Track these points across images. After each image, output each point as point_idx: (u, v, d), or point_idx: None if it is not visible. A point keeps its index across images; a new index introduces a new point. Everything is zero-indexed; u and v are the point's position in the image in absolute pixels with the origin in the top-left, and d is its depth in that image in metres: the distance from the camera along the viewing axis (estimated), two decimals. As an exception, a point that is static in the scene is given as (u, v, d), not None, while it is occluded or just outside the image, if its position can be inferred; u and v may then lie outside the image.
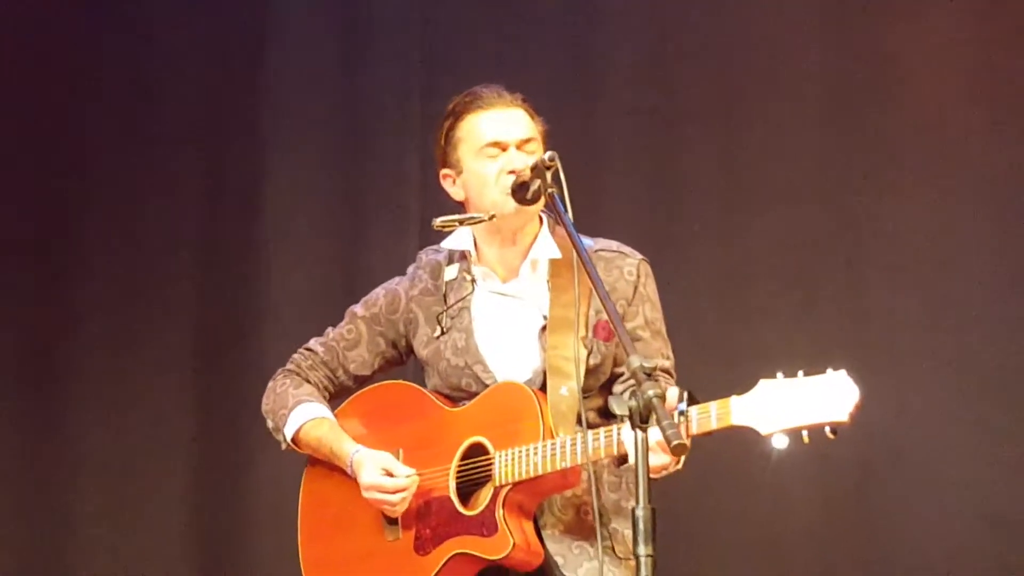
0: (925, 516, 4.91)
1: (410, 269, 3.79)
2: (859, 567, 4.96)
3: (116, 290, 5.57)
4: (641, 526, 2.88)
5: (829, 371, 3.11)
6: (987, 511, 4.87)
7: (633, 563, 3.39)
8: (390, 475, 3.55)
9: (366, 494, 3.57)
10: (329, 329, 3.80)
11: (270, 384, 3.79)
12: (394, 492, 3.54)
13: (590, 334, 3.56)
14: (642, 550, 2.88)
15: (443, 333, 3.66)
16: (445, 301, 3.68)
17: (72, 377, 5.56)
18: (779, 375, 3.15)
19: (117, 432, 5.52)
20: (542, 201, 3.49)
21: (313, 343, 3.80)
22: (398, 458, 3.62)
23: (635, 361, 2.97)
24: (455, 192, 3.67)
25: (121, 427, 5.52)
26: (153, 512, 5.47)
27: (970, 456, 4.90)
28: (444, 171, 3.68)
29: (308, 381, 3.76)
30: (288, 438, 3.70)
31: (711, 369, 4.80)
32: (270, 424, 3.75)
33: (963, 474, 4.90)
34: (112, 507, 5.49)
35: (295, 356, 3.80)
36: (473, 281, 3.66)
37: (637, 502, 2.90)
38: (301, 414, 3.69)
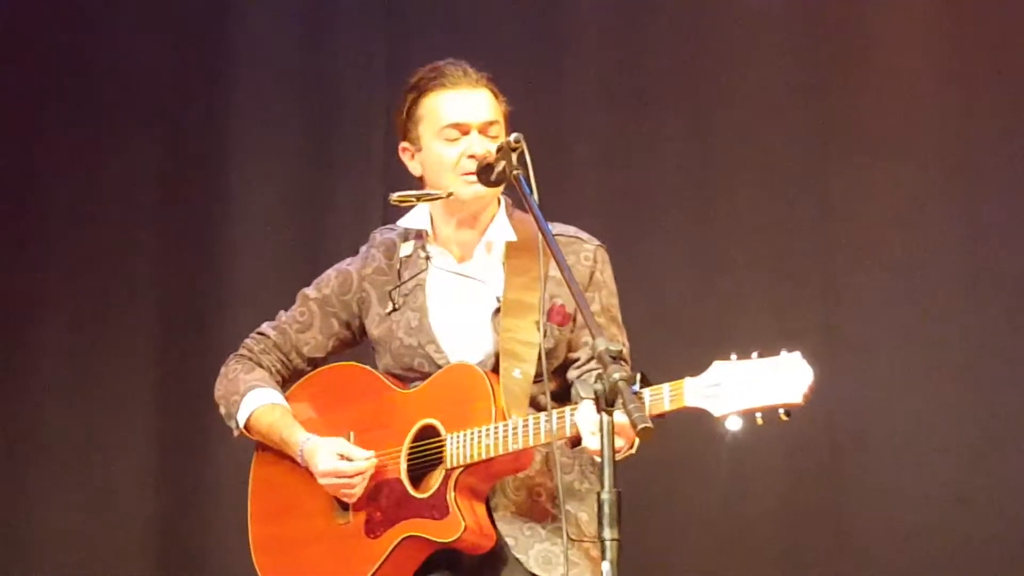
0: (892, 496, 4.93)
1: (363, 249, 3.74)
2: (826, 547, 4.96)
3: (76, 269, 5.54)
4: (607, 510, 2.87)
5: (783, 352, 3.08)
6: (953, 490, 4.87)
7: (585, 544, 3.48)
8: (346, 459, 3.51)
9: (323, 481, 3.53)
10: (281, 312, 3.75)
11: (222, 370, 3.75)
12: (353, 476, 3.50)
13: (544, 318, 3.52)
14: (607, 534, 2.86)
15: (395, 310, 3.62)
16: (399, 277, 3.64)
17: (32, 358, 5.51)
18: (733, 356, 3.13)
19: (78, 413, 5.48)
20: (504, 183, 3.44)
21: (265, 327, 3.76)
22: (349, 440, 3.58)
23: (601, 344, 2.95)
24: (413, 167, 3.63)
25: (82, 408, 5.49)
26: (114, 493, 5.43)
27: (936, 436, 4.91)
28: (403, 144, 3.64)
29: (260, 365, 3.71)
30: (240, 425, 3.66)
31: (679, 351, 4.79)
32: (222, 411, 3.71)
33: (929, 454, 4.91)
34: (72, 488, 5.45)
35: (247, 341, 3.76)
36: (428, 259, 3.63)
37: (603, 486, 2.88)
38: (252, 400, 3.65)
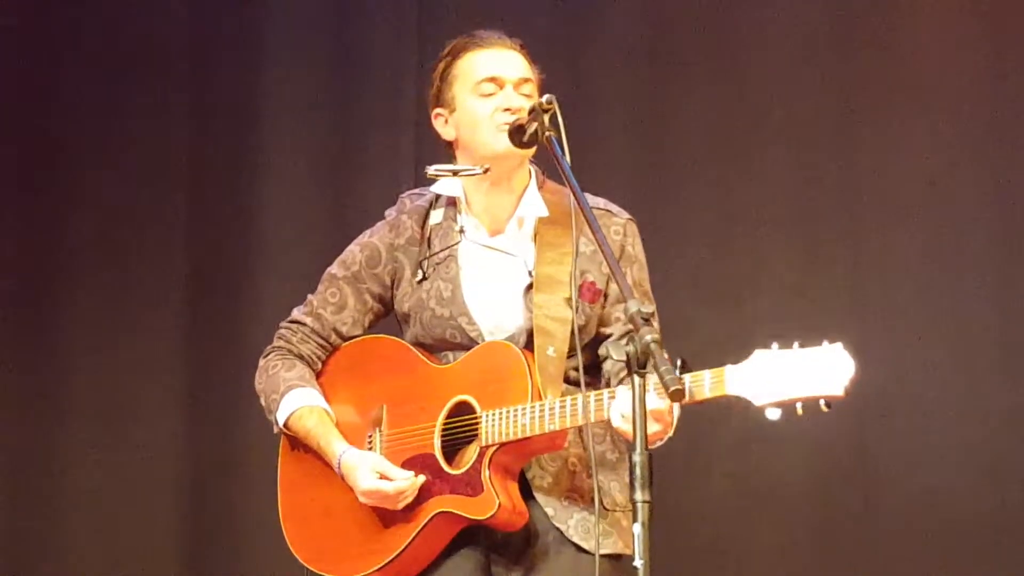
0: (919, 463, 4.92)
1: (390, 214, 3.71)
2: (855, 515, 4.95)
3: (104, 233, 5.51)
4: (638, 472, 2.87)
5: (825, 343, 3.07)
6: (982, 458, 4.86)
7: (618, 514, 3.49)
8: (386, 478, 3.50)
9: (364, 499, 3.52)
10: (309, 296, 3.72)
11: (261, 363, 3.72)
12: (395, 494, 3.49)
13: (575, 295, 3.50)
14: (639, 496, 2.86)
15: (424, 279, 3.61)
16: (429, 246, 3.63)
17: (59, 321, 5.51)
18: (774, 346, 3.11)
19: (105, 376, 5.48)
20: (535, 147, 3.45)
21: (298, 314, 3.72)
22: (382, 413, 3.58)
23: (633, 306, 2.94)
24: (446, 132, 3.61)
25: (109, 371, 5.48)
26: (143, 453, 5.42)
27: (965, 402, 4.90)
28: (437, 110, 3.62)
29: (301, 357, 3.69)
30: (280, 423, 3.65)
31: (704, 312, 4.79)
32: (263, 403, 3.69)
33: (957, 420, 4.90)
34: (100, 450, 5.45)
35: (282, 331, 3.72)
36: (462, 231, 3.61)
37: (634, 448, 2.88)
38: (291, 401, 3.62)
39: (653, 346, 2.88)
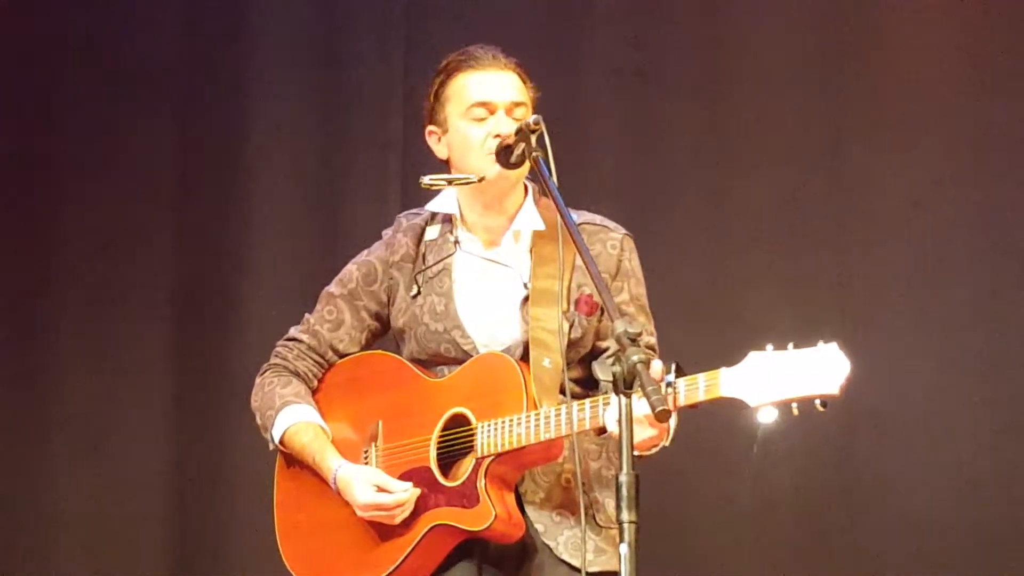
0: (905, 477, 4.93)
1: (386, 233, 3.72)
2: (842, 526, 4.96)
3: (93, 248, 5.52)
4: (625, 492, 2.88)
5: (820, 344, 3.08)
6: (967, 473, 4.88)
7: (614, 532, 3.47)
8: (383, 491, 3.50)
9: (362, 513, 3.52)
10: (307, 315, 3.74)
11: (257, 380, 3.72)
12: (394, 508, 3.49)
13: (572, 307, 3.52)
14: (625, 516, 2.87)
15: (419, 293, 3.62)
16: (424, 261, 3.63)
17: (49, 337, 5.51)
18: (769, 347, 3.12)
19: (94, 388, 5.48)
20: (527, 166, 3.46)
21: (295, 332, 3.73)
22: (378, 429, 3.59)
23: (620, 326, 2.95)
24: (439, 150, 3.63)
25: (99, 383, 5.48)
26: (131, 468, 5.43)
27: (951, 418, 4.91)
28: (430, 127, 3.63)
29: (297, 374, 3.70)
30: (275, 440, 3.65)
31: (695, 331, 4.80)
32: (259, 421, 3.69)
33: (943, 436, 4.91)
34: (88, 464, 5.45)
35: (279, 349, 3.74)
36: (457, 243, 3.62)
37: (621, 468, 2.89)
38: (286, 418, 3.63)
39: (640, 367, 2.90)
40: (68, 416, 5.48)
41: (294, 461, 3.68)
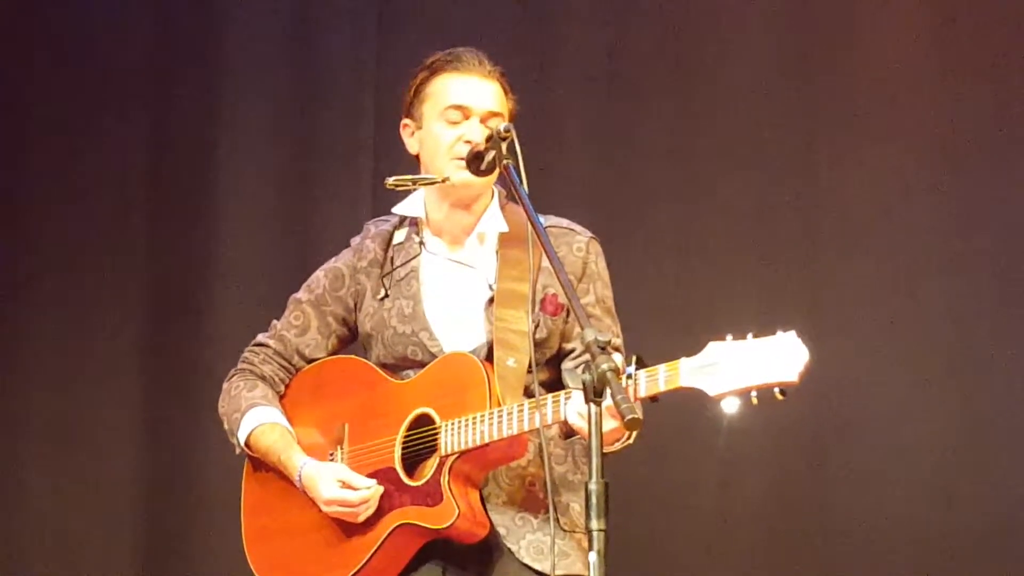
0: (875, 484, 4.93)
1: (355, 241, 3.73)
2: (810, 534, 4.97)
3: (63, 256, 5.52)
4: (594, 500, 2.87)
5: (779, 332, 3.08)
6: (937, 479, 4.89)
7: (577, 535, 3.49)
8: (348, 487, 3.50)
9: (327, 509, 3.52)
10: (274, 321, 3.74)
11: (224, 385, 3.73)
12: (359, 504, 3.49)
13: (537, 309, 3.53)
14: (595, 524, 2.86)
15: (386, 296, 3.62)
16: (392, 264, 3.64)
17: (18, 345, 5.51)
18: (728, 337, 3.12)
19: (64, 390, 5.47)
20: (496, 174, 3.47)
21: (262, 338, 3.74)
22: (343, 432, 3.59)
23: (589, 335, 2.95)
24: (411, 145, 3.64)
25: (68, 385, 5.47)
26: (100, 470, 5.42)
27: (921, 424, 4.92)
28: (405, 121, 3.64)
29: (263, 378, 3.70)
30: (241, 443, 3.65)
31: (664, 334, 4.80)
32: (226, 427, 3.70)
33: (913, 442, 4.92)
34: (59, 475, 5.44)
35: (246, 354, 3.74)
36: (422, 244, 3.63)
37: (590, 476, 2.88)
38: (251, 419, 3.63)
39: (610, 375, 2.89)
40: (37, 418, 5.47)
41: (261, 466, 3.68)
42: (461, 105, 3.55)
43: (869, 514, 4.92)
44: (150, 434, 5.43)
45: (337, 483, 3.50)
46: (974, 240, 4.95)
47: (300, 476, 3.55)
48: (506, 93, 3.60)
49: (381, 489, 3.48)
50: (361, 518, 3.50)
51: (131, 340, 5.47)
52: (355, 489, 3.48)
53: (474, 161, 3.45)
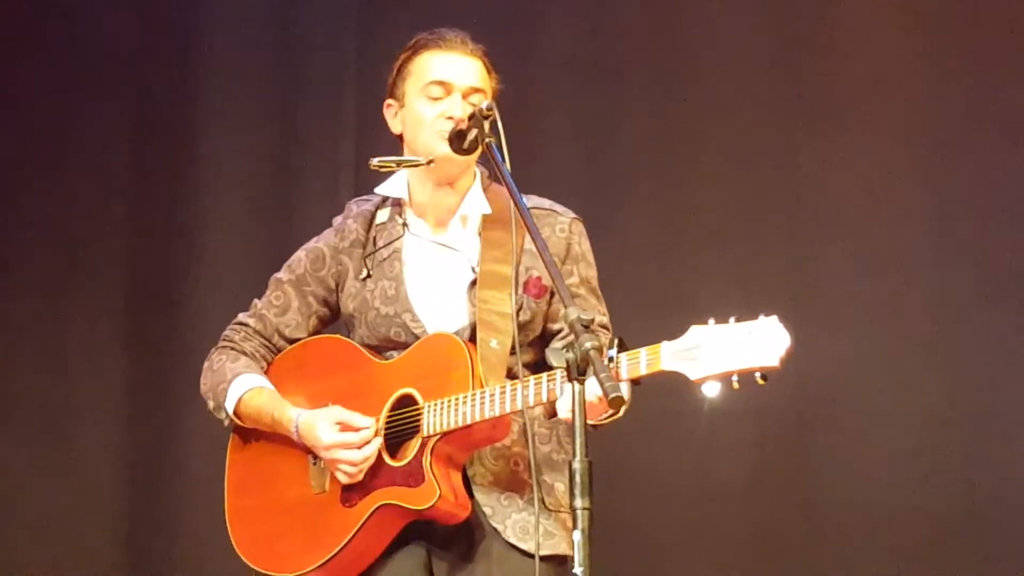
0: (858, 468, 4.94)
1: (337, 220, 3.73)
2: (793, 519, 4.98)
3: (44, 239, 5.50)
4: (578, 479, 2.88)
5: (761, 317, 3.09)
6: (920, 459, 4.90)
7: (563, 515, 3.48)
8: (348, 428, 3.48)
9: (327, 454, 3.50)
10: (255, 300, 3.74)
11: (205, 364, 3.72)
12: (360, 445, 3.47)
13: (520, 290, 3.53)
14: (579, 503, 2.87)
15: (368, 276, 3.62)
16: (374, 244, 3.64)
17: (1, 320, 5.47)
18: (710, 321, 3.12)
19: (47, 376, 5.46)
20: (478, 152, 3.47)
21: (242, 317, 3.74)
22: (327, 413, 3.59)
23: (572, 313, 2.96)
24: (394, 125, 3.64)
25: (51, 371, 5.46)
26: (83, 455, 5.41)
27: (904, 409, 4.93)
28: (388, 101, 3.65)
29: (244, 353, 3.69)
30: (230, 412, 3.64)
31: (647, 320, 4.78)
32: (210, 404, 3.68)
33: (896, 427, 4.93)
34: (39, 458, 5.42)
35: (226, 332, 3.73)
36: (405, 225, 3.63)
37: (574, 455, 2.89)
38: (239, 386, 3.62)
39: (593, 353, 2.90)
40: (20, 404, 5.46)
41: (247, 444, 3.67)
42: (443, 81, 3.55)
43: (851, 500, 4.93)
44: (133, 416, 5.42)
45: (336, 426, 3.48)
46: (957, 226, 4.96)
47: (297, 427, 3.53)
48: (488, 71, 3.60)
49: (380, 436, 3.46)
50: (359, 459, 3.45)
51: (114, 323, 5.46)
52: (356, 430, 3.46)
53: (456, 139, 3.46)
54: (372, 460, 3.47)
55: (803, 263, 5.07)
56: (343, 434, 3.48)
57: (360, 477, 3.48)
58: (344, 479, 3.50)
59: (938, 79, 5.01)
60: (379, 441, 3.47)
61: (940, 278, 4.96)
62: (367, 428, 3.47)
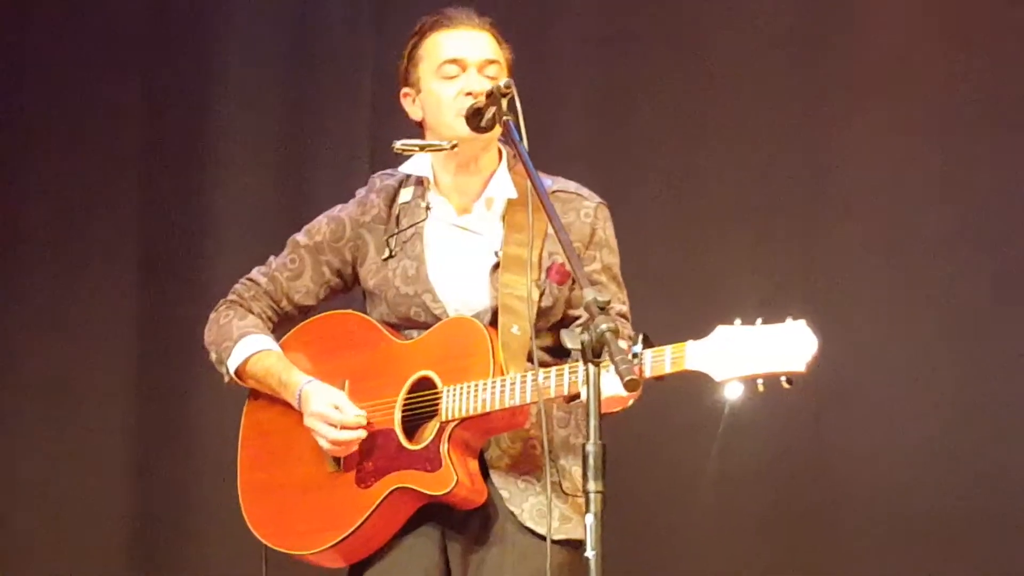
0: (875, 454, 4.93)
1: (360, 192, 3.70)
2: (810, 506, 4.97)
3: (58, 207, 5.49)
4: (591, 462, 2.86)
5: (788, 320, 3.06)
6: (936, 449, 4.88)
7: (580, 499, 3.43)
8: (339, 410, 3.48)
9: (308, 421, 3.50)
10: (271, 258, 3.71)
11: (212, 315, 3.69)
12: (338, 426, 3.46)
13: (543, 276, 3.51)
14: (592, 486, 2.86)
15: (391, 256, 3.59)
16: (397, 224, 3.61)
17: (10, 298, 5.48)
18: (737, 321, 3.10)
19: (58, 350, 5.45)
20: (497, 129, 3.44)
21: (255, 273, 3.71)
22: (344, 389, 3.55)
23: (589, 295, 2.94)
24: (414, 112, 3.61)
25: (62, 346, 5.45)
26: (94, 431, 5.41)
27: (919, 395, 4.92)
28: (404, 89, 3.61)
29: (251, 312, 3.67)
30: (232, 371, 3.62)
31: (663, 305, 4.78)
32: (212, 356, 3.66)
33: (912, 413, 4.92)
34: (49, 432, 5.43)
35: (236, 287, 3.71)
36: (428, 208, 3.60)
37: (588, 438, 2.87)
38: (246, 346, 3.60)
39: (608, 335, 2.88)
40: (30, 379, 5.46)
41: (261, 421, 3.66)
42: (456, 58, 3.53)
43: (868, 486, 4.92)
44: (144, 391, 5.41)
45: (329, 404, 3.48)
46: (973, 212, 4.93)
47: (300, 392, 3.51)
48: (499, 42, 3.58)
49: (364, 421, 3.45)
50: (340, 450, 3.45)
51: (126, 298, 5.44)
52: (342, 413, 3.46)
53: (474, 117, 3.43)
54: (351, 448, 3.47)
55: (820, 248, 5.07)
56: (327, 409, 3.47)
57: (339, 453, 3.48)
58: (325, 445, 3.49)
59: (953, 68, 4.98)
60: (362, 434, 3.46)
61: (956, 263, 4.95)
62: (355, 417, 3.46)
